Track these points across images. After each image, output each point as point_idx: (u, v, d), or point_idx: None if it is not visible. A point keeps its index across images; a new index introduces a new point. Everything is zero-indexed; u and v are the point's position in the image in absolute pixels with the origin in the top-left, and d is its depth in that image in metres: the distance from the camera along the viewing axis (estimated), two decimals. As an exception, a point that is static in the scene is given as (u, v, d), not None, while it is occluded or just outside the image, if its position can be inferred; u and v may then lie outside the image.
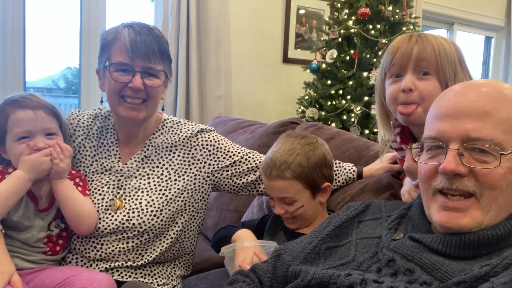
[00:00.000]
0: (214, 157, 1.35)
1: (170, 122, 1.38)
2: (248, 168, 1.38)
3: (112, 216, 1.23)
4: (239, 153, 1.38)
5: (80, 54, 2.72)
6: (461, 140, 0.77)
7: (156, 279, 1.28)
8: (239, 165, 1.37)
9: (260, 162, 1.38)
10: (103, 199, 1.25)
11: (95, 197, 1.25)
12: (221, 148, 1.36)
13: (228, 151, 1.37)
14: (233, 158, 1.36)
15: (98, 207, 1.24)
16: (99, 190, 1.26)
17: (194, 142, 1.34)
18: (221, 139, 1.39)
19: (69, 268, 1.18)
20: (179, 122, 1.39)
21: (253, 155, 1.41)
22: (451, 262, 0.76)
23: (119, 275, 1.23)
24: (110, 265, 1.23)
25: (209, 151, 1.35)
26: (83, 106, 2.74)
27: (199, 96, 2.94)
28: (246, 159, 1.38)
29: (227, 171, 1.36)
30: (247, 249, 1.18)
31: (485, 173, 0.76)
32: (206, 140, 1.35)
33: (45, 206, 1.19)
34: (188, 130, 1.36)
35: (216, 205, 1.88)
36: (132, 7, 3.13)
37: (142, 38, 1.18)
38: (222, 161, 1.35)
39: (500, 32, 4.85)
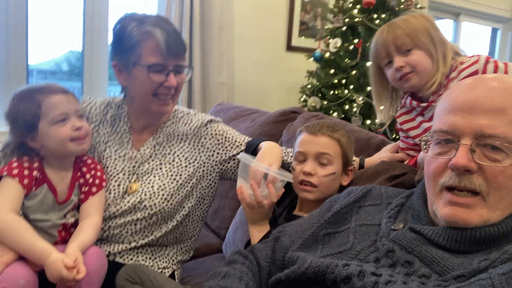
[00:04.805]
0: (222, 147, 1.38)
1: (181, 112, 1.42)
2: None
3: (125, 198, 1.27)
4: (246, 143, 1.41)
5: (84, 38, 2.71)
6: (474, 136, 0.76)
7: (157, 262, 1.31)
8: None
9: None
10: (119, 185, 1.29)
11: (111, 184, 1.29)
12: (228, 138, 1.40)
13: (235, 141, 1.40)
14: (239, 148, 1.39)
15: (115, 193, 1.28)
16: (114, 177, 1.30)
17: (204, 131, 1.38)
18: (229, 129, 1.43)
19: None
20: (189, 113, 1.43)
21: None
22: (451, 256, 0.76)
23: (121, 257, 1.26)
24: (113, 249, 1.26)
25: (218, 140, 1.38)
26: (86, 90, 2.74)
27: (202, 83, 2.93)
28: None
29: (234, 160, 1.39)
30: (263, 173, 1.16)
31: (495, 172, 0.75)
32: (215, 130, 1.39)
33: (64, 199, 1.21)
34: (198, 120, 1.40)
35: (216, 192, 1.89)
36: (136, -10, 3.11)
37: (173, 38, 1.23)
38: (230, 151, 1.39)
39: (506, 24, 4.80)
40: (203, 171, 1.36)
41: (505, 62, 1.19)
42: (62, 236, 1.21)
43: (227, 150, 1.39)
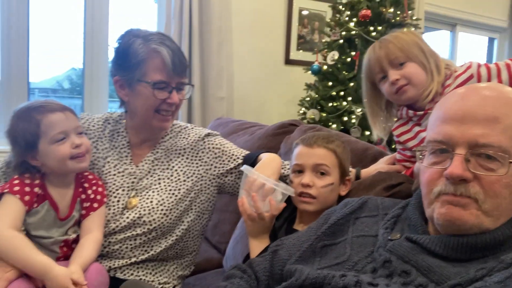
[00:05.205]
0: (219, 160, 1.39)
1: (178, 127, 1.44)
2: None
3: (124, 215, 1.28)
4: (243, 156, 1.42)
5: (84, 55, 2.75)
6: (468, 146, 0.77)
7: (158, 277, 1.31)
8: None
9: None
10: (118, 201, 1.30)
11: (110, 200, 1.30)
12: (226, 151, 1.41)
13: (233, 155, 1.41)
14: (237, 161, 1.40)
15: (115, 209, 1.29)
16: (114, 192, 1.31)
17: (201, 145, 1.40)
18: (226, 143, 1.44)
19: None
20: (187, 127, 1.45)
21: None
22: (447, 265, 0.76)
23: (121, 272, 1.27)
24: (114, 264, 1.26)
25: (215, 154, 1.40)
26: (87, 107, 2.76)
27: (201, 98, 2.96)
28: None
29: (231, 173, 1.40)
30: (260, 183, 1.19)
31: (491, 181, 0.76)
32: (213, 144, 1.41)
33: (65, 215, 1.22)
34: (196, 134, 1.42)
35: (216, 206, 1.89)
36: (135, 8, 3.16)
37: (177, 56, 1.26)
38: (227, 164, 1.39)
39: (503, 33, 4.83)
40: (201, 185, 1.37)
41: (496, 62, 1.21)
42: (64, 252, 1.21)
43: (224, 164, 1.40)
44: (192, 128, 1.45)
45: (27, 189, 1.16)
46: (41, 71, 2.86)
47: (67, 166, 1.18)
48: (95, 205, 1.25)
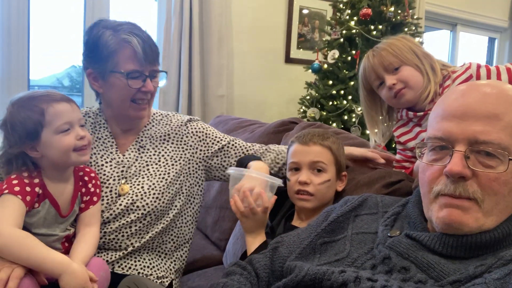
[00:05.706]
0: (203, 143, 1.44)
1: (159, 115, 1.47)
2: (235, 153, 1.47)
3: (117, 202, 1.29)
4: (225, 139, 1.48)
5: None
6: (468, 142, 0.77)
7: (155, 271, 1.32)
8: (227, 150, 1.46)
9: (245, 148, 1.48)
10: (110, 191, 1.31)
11: (103, 190, 1.30)
12: (209, 134, 1.46)
13: (216, 137, 1.46)
14: (220, 143, 1.45)
15: (108, 199, 1.30)
16: (105, 183, 1.31)
17: (185, 130, 1.43)
18: (208, 127, 1.49)
19: None
20: (168, 114, 1.48)
21: (239, 141, 1.50)
22: (447, 262, 0.77)
23: (119, 266, 1.27)
24: (111, 257, 1.27)
25: (199, 137, 1.44)
26: (86, 104, 2.77)
27: (201, 96, 2.96)
28: (233, 145, 1.47)
29: (217, 156, 1.44)
30: (253, 179, 1.20)
31: (489, 178, 0.75)
32: (195, 128, 1.45)
33: (67, 212, 1.20)
34: (178, 120, 1.46)
35: (216, 203, 1.90)
36: (135, 6, 3.16)
37: (148, 44, 1.26)
38: (211, 147, 1.44)
39: (503, 33, 4.84)
40: (189, 168, 1.40)
41: (496, 65, 1.21)
42: (66, 247, 1.20)
43: (209, 147, 1.44)
44: (174, 115, 1.48)
45: (27, 188, 1.11)
46: (41, 68, 2.86)
47: (70, 158, 1.15)
48: (95, 198, 1.25)
